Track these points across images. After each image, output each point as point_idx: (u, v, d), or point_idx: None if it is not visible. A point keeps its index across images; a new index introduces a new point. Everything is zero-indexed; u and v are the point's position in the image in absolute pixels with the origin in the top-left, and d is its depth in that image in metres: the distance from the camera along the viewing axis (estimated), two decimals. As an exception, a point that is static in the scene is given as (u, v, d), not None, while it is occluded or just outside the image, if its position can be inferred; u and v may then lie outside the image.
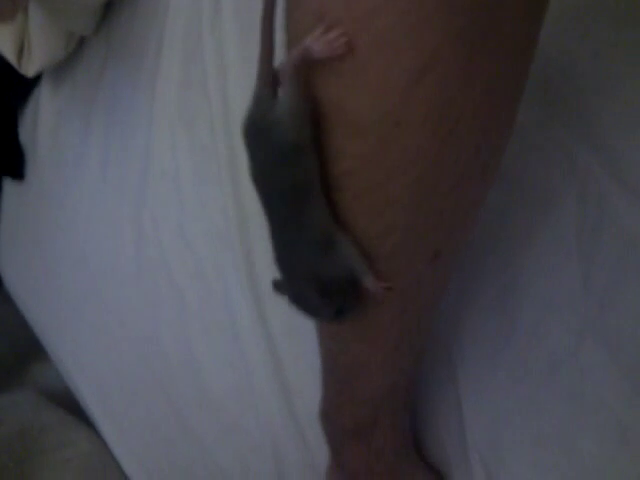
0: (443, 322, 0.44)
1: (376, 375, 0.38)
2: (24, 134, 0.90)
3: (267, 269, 0.33)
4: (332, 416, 0.42)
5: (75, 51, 0.83)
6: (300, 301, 0.33)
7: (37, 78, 0.87)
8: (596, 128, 0.41)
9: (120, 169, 0.71)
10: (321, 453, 0.47)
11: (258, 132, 0.29)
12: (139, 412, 0.61)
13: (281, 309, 0.35)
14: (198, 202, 0.62)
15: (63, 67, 0.84)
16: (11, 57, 0.80)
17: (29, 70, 0.81)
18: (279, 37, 0.29)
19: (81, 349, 0.69)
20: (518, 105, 0.31)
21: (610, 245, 0.39)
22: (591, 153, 0.41)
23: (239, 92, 0.61)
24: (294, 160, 0.28)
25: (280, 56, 0.29)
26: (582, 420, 0.38)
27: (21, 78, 0.83)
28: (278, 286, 0.34)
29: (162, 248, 0.63)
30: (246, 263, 0.56)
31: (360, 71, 0.26)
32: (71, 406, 0.68)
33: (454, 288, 0.43)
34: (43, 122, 0.87)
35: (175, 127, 0.65)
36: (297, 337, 0.52)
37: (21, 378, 0.74)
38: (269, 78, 0.29)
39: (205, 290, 0.59)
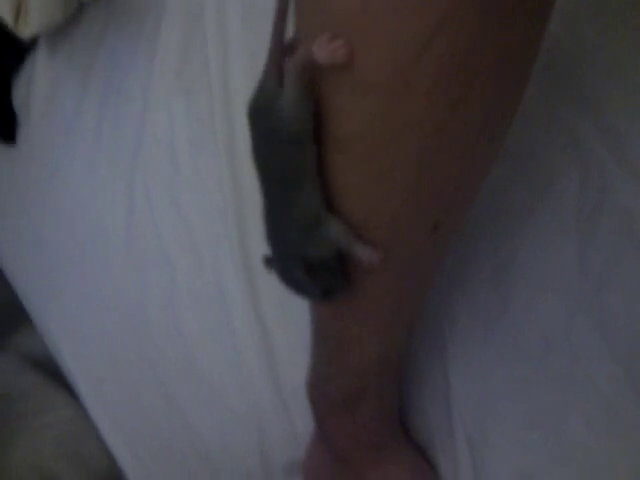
0: (436, 296, 0.44)
1: (367, 347, 0.38)
2: (18, 100, 0.88)
3: (259, 242, 0.33)
4: (319, 387, 0.42)
5: (74, 16, 0.81)
6: (288, 278, 0.34)
7: (34, 42, 0.85)
8: (602, 110, 0.40)
9: (114, 136, 0.70)
10: (305, 426, 0.47)
11: (261, 119, 0.29)
12: (122, 381, 0.60)
13: (272, 282, 0.35)
14: (193, 172, 0.61)
15: (61, 32, 0.82)
16: (8, 18, 0.78)
17: (25, 32, 0.79)
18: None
19: (67, 317, 0.68)
20: (529, 76, 0.30)
21: (609, 227, 0.39)
22: (595, 135, 0.40)
23: (239, 64, 0.60)
24: (294, 148, 0.29)
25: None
26: (572, 401, 0.38)
27: (17, 41, 0.81)
28: (268, 262, 0.35)
29: (154, 216, 0.62)
30: (239, 235, 0.55)
31: (371, 29, 0.25)
32: (53, 373, 0.67)
33: (450, 262, 0.43)
34: (38, 88, 0.85)
35: (173, 96, 0.64)
36: (287, 310, 0.51)
37: (3, 344, 0.72)
38: (276, 68, 0.29)
39: (196, 260, 0.58)
